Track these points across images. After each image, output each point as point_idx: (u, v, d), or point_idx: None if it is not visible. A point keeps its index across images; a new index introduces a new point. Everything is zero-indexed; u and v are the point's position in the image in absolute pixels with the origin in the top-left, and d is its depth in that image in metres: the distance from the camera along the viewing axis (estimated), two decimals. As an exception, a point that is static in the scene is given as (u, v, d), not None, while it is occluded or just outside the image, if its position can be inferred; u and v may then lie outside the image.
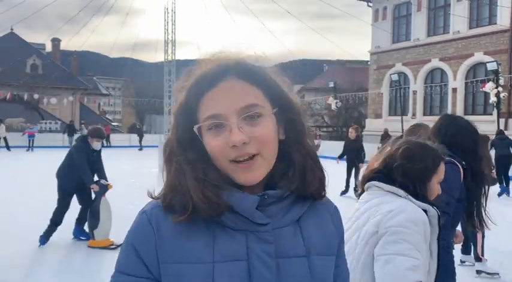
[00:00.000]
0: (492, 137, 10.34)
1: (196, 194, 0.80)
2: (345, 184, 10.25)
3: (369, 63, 29.57)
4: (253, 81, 0.84)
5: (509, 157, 10.69)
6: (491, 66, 17.47)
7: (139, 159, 21.46)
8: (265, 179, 0.85)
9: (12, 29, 42.04)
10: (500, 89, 17.47)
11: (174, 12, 16.80)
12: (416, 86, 25.59)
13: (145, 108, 43.95)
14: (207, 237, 0.82)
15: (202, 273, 0.80)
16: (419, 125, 3.51)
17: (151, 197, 0.90)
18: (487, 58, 20.72)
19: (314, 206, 0.90)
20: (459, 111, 23.28)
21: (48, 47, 47.81)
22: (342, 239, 0.97)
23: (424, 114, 25.29)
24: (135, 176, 14.56)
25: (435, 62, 24.51)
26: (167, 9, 16.81)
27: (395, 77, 23.25)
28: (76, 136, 29.27)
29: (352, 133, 10.71)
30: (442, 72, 24.58)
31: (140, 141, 29.03)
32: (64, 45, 47.64)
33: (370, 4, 28.42)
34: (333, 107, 27.90)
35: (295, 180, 0.85)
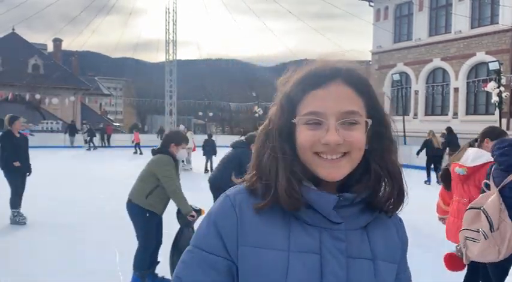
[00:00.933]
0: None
1: (282, 185, 0.85)
2: None
3: (370, 63, 29.55)
4: (358, 90, 0.89)
5: None
6: (493, 66, 17.42)
7: (138, 159, 21.48)
8: (340, 181, 0.90)
9: (13, 29, 42.15)
10: (502, 88, 17.42)
11: (175, 13, 16.80)
12: (418, 85, 25.56)
13: (146, 108, 43.96)
14: (284, 227, 0.87)
15: (278, 259, 0.84)
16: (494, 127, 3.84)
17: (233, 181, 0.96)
18: (488, 58, 20.67)
19: (381, 217, 0.95)
20: (461, 111, 23.27)
21: (50, 47, 47.87)
22: (405, 251, 1.01)
23: (426, 114, 25.28)
24: (135, 177, 14.55)
25: (437, 62, 24.48)
26: (168, 9, 16.82)
27: (396, 77, 23.22)
28: (77, 136, 29.29)
29: None
30: (444, 72, 24.55)
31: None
32: (65, 46, 47.69)
33: (372, 4, 28.41)
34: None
35: (368, 188, 0.90)
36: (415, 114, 25.64)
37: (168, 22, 16.80)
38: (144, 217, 4.34)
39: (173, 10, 16.84)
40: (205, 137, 16.70)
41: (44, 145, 26.85)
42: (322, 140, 0.85)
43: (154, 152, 4.65)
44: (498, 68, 17.24)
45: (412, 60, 25.85)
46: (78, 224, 7.49)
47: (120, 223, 7.55)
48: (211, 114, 45.22)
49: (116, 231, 7.03)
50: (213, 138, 16.53)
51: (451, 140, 13.31)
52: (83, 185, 12.32)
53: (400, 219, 1.01)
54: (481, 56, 22.10)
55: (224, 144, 27.45)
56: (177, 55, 16.99)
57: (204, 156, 15.80)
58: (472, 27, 22.82)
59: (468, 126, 22.34)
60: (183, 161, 17.21)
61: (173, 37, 16.86)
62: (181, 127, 18.47)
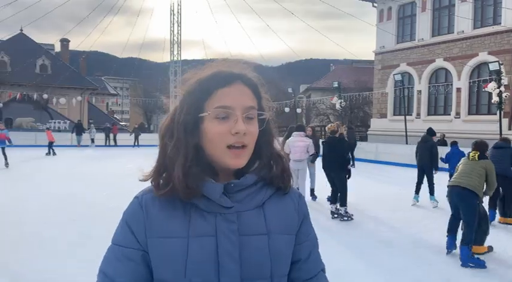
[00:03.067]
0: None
1: (179, 176, 1.00)
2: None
3: (374, 63, 29.66)
4: (253, 90, 1.07)
5: None
6: (493, 66, 17.54)
7: (143, 157, 21.71)
8: (236, 170, 1.05)
9: (21, 30, 42.60)
10: (502, 88, 17.54)
11: (180, 14, 17.09)
12: (421, 85, 25.68)
13: (152, 107, 44.28)
14: (184, 218, 1.02)
15: (178, 245, 1.00)
16: None
17: (141, 179, 1.11)
18: (491, 58, 20.76)
19: (279, 195, 1.10)
20: (463, 111, 23.38)
21: (57, 48, 48.29)
22: (305, 222, 1.14)
23: (429, 114, 25.39)
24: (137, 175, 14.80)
25: (439, 62, 24.59)
26: (173, 10, 17.10)
27: (398, 77, 23.35)
28: (84, 135, 29.81)
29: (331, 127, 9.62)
30: (447, 72, 24.65)
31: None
32: (72, 46, 48.08)
33: (375, 4, 28.53)
34: (337, 106, 28.03)
35: (262, 171, 1.07)
36: (418, 114, 25.77)
37: (173, 23, 17.08)
38: (476, 201, 5.54)
39: (178, 12, 17.13)
40: None
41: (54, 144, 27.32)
42: (233, 129, 1.00)
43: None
44: (498, 68, 17.36)
45: (415, 61, 25.97)
46: (85, 219, 7.77)
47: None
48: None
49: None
50: None
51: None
52: (88, 182, 12.63)
53: (300, 195, 1.17)
54: (483, 57, 22.19)
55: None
56: (181, 55, 17.27)
57: None
58: (474, 28, 22.90)
59: (470, 126, 22.47)
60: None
61: (178, 38, 17.13)
62: None
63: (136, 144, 29.03)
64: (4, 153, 15.22)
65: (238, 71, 1.08)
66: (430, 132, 10.24)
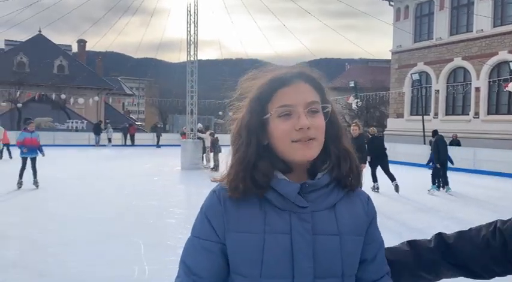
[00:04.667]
0: None
1: (244, 176, 1.05)
2: None
3: (390, 62, 29.37)
4: (314, 86, 1.10)
5: None
6: (514, 65, 17.22)
7: (161, 157, 21.96)
8: (309, 169, 1.09)
9: (40, 31, 43.30)
10: None
11: (196, 14, 17.15)
12: (439, 85, 25.35)
13: (168, 108, 44.61)
14: (260, 214, 1.06)
15: (255, 240, 1.04)
16: None
17: (215, 181, 1.16)
18: (511, 57, 20.40)
19: (349, 196, 1.12)
20: (482, 111, 23.00)
21: (74, 48, 48.94)
22: (372, 223, 1.16)
23: (446, 114, 25.06)
24: (158, 174, 14.98)
25: (458, 61, 24.24)
26: (189, 11, 17.16)
27: (416, 76, 23.10)
28: (102, 135, 30.46)
29: (355, 131, 10.10)
30: (465, 71, 24.29)
31: (158, 140, 30.15)
32: (89, 46, 48.65)
33: (392, 3, 28.25)
34: (354, 106, 27.86)
35: (334, 171, 1.09)
36: (436, 114, 25.43)
37: (189, 24, 17.14)
38: None
39: (194, 12, 17.19)
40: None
41: (69, 144, 27.69)
42: (296, 125, 1.03)
43: None
44: (519, 67, 17.03)
45: (432, 60, 25.64)
46: (105, 218, 7.89)
47: (142, 218, 7.94)
48: (230, 113, 45.28)
49: (139, 226, 7.41)
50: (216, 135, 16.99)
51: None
52: (107, 181, 12.78)
53: (368, 197, 1.19)
54: (503, 55, 21.80)
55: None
56: (198, 56, 17.32)
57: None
58: (494, 26, 22.52)
59: (490, 126, 22.09)
60: (203, 161, 17.60)
61: (194, 38, 17.18)
62: (199, 126, 18.83)
63: (158, 144, 29.64)
64: (34, 168, 10.94)
65: (296, 70, 1.12)
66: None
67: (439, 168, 11.71)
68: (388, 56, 29.70)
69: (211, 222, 1.08)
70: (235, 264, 1.06)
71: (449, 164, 11.99)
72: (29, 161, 10.88)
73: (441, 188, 11.85)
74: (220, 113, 38.28)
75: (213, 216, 1.08)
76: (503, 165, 16.03)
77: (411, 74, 25.20)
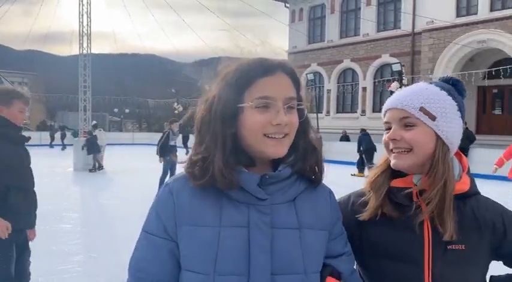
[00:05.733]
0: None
1: (219, 166, 0.98)
2: None
3: (286, 62, 30.50)
4: (293, 80, 1.04)
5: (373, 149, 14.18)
6: (395, 68, 18.97)
7: (51, 158, 20.31)
8: (271, 160, 1.04)
9: None
10: (403, 88, 19.00)
11: (90, 4, 16.12)
12: (330, 85, 26.97)
13: (57, 104, 41.41)
14: (216, 207, 1.00)
15: (210, 234, 0.98)
16: None
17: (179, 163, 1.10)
18: (392, 60, 22.41)
19: (311, 190, 1.09)
20: (368, 109, 24.98)
21: None
22: (338, 219, 1.14)
23: (337, 112, 26.76)
24: (49, 176, 13.80)
25: (347, 63, 26.00)
26: (81, 0, 16.08)
27: (310, 76, 24.29)
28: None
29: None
30: (353, 72, 26.15)
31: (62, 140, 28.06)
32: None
33: (288, 5, 29.36)
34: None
35: (297, 163, 1.05)
36: (328, 112, 27.03)
37: (82, 14, 16.07)
38: None
39: (87, 2, 16.16)
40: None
41: None
42: (274, 121, 0.98)
43: None
44: (400, 69, 18.80)
45: (324, 61, 27.18)
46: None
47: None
48: (127, 110, 43.77)
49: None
50: (95, 134, 15.86)
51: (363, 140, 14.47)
52: None
53: (330, 191, 1.16)
54: (385, 58, 23.86)
55: (141, 142, 26.72)
56: (91, 49, 16.30)
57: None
58: (378, 31, 24.55)
59: (375, 122, 24.07)
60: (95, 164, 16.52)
61: (87, 30, 16.15)
62: (94, 123, 17.75)
63: (51, 144, 27.52)
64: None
65: (278, 60, 1.06)
66: None
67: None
68: (286, 57, 30.81)
69: (161, 217, 1.03)
70: (188, 260, 1.00)
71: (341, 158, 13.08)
72: None
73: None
74: (115, 110, 36.59)
75: (163, 210, 1.03)
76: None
77: (306, 74, 26.46)
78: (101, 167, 15.47)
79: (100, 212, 8.86)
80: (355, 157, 15.01)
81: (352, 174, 14.16)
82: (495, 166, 8.43)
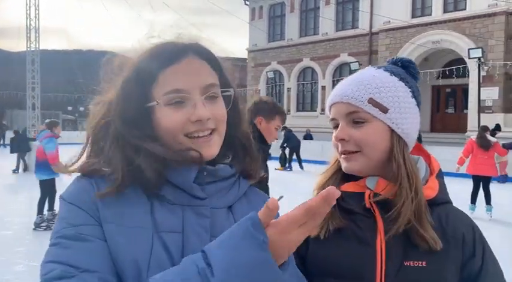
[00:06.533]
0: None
1: (124, 176, 0.79)
2: None
3: (247, 60, 30.38)
4: (211, 63, 0.86)
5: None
6: (354, 67, 19.20)
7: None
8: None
9: None
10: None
11: (37, -4, 15.28)
12: (290, 83, 27.03)
13: (5, 102, 39.43)
14: (146, 206, 0.80)
15: (141, 239, 0.77)
16: None
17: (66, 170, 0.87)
18: (351, 59, 22.70)
19: (247, 195, 0.92)
20: (328, 108, 25.23)
21: None
22: None
23: (297, 110, 26.87)
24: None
25: (306, 62, 26.13)
26: (29, -8, 15.21)
27: (270, 75, 24.28)
28: None
29: None
30: (313, 71, 26.31)
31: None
32: None
33: (247, 2, 29.19)
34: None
35: (235, 161, 0.89)
36: (288, 110, 27.07)
37: (29, 6, 15.22)
38: None
39: (35, -7, 15.32)
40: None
41: None
42: (192, 117, 0.81)
43: None
44: (358, 68, 18.99)
45: (285, 59, 27.21)
46: None
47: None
48: (81, 108, 42.35)
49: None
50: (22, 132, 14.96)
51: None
52: None
53: (268, 197, 0.99)
54: (344, 57, 24.14)
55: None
56: (40, 43, 15.42)
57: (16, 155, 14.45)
58: (336, 30, 24.80)
59: (334, 121, 24.33)
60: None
61: (35, 23, 15.33)
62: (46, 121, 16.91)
63: (4, 143, 26.06)
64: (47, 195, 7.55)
65: (186, 40, 0.86)
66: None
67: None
68: (246, 55, 30.66)
69: (81, 207, 0.79)
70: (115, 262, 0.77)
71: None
72: None
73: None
74: (69, 108, 35.24)
75: (81, 201, 0.79)
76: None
77: (267, 72, 26.40)
78: (26, 169, 14.38)
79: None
80: (317, 155, 15.15)
81: (275, 169, 15.15)
82: (457, 165, 8.68)
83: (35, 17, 15.10)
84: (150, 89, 0.83)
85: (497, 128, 13.75)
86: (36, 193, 10.89)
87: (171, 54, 0.82)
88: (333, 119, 1.10)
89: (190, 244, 0.80)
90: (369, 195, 1.03)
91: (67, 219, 0.79)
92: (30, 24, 15.22)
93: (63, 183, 0.84)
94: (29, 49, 15.52)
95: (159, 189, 0.81)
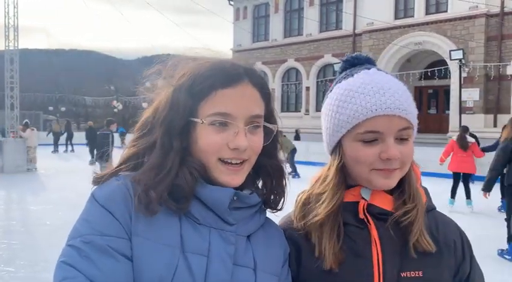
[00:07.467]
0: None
1: (164, 190, 0.78)
2: None
3: (231, 60, 30.33)
4: (262, 93, 0.87)
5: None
6: (337, 67, 19.23)
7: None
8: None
9: None
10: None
11: (17, -6, 14.95)
12: (275, 84, 27.03)
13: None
14: (176, 223, 0.79)
15: (168, 257, 0.76)
16: None
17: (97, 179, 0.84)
18: (334, 60, 22.80)
19: (263, 226, 0.91)
20: (312, 108, 25.29)
21: None
22: (286, 261, 0.96)
23: (282, 111, 26.86)
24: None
25: (291, 62, 26.17)
26: (7, -11, 14.88)
27: (255, 75, 24.26)
28: None
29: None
30: (297, 71, 26.37)
31: None
32: None
33: (232, 2, 29.11)
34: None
35: (267, 190, 0.90)
36: (273, 111, 27.12)
37: (8, 4, 14.89)
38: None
39: (14, -9, 14.99)
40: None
41: None
42: (231, 144, 0.81)
43: None
44: (342, 69, 19.17)
45: (269, 60, 27.21)
46: None
47: None
48: (63, 109, 41.76)
49: None
50: None
51: None
52: None
53: (282, 230, 0.99)
54: (328, 58, 24.25)
55: (80, 142, 25.54)
56: (19, 42, 15.09)
57: None
58: (320, 31, 24.89)
59: (318, 122, 24.38)
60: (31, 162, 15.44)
61: (14, 21, 15.01)
62: (25, 122, 16.56)
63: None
64: None
65: (245, 64, 0.87)
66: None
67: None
68: (230, 55, 30.60)
69: (114, 215, 0.76)
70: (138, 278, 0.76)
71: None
72: None
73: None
74: (50, 108, 34.65)
75: (117, 210, 0.76)
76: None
77: (250, 72, 26.35)
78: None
79: (25, 219, 8.10)
80: (303, 156, 15.15)
81: None
82: (439, 163, 9.31)
83: (14, 15, 14.77)
84: (197, 103, 0.82)
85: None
86: (15, 195, 10.66)
87: (228, 76, 0.82)
88: (371, 132, 0.95)
89: (214, 269, 0.78)
90: (363, 206, 0.98)
91: (97, 224, 0.76)
92: (8, 23, 14.89)
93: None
94: (7, 48, 15.17)
95: (189, 205, 0.80)
